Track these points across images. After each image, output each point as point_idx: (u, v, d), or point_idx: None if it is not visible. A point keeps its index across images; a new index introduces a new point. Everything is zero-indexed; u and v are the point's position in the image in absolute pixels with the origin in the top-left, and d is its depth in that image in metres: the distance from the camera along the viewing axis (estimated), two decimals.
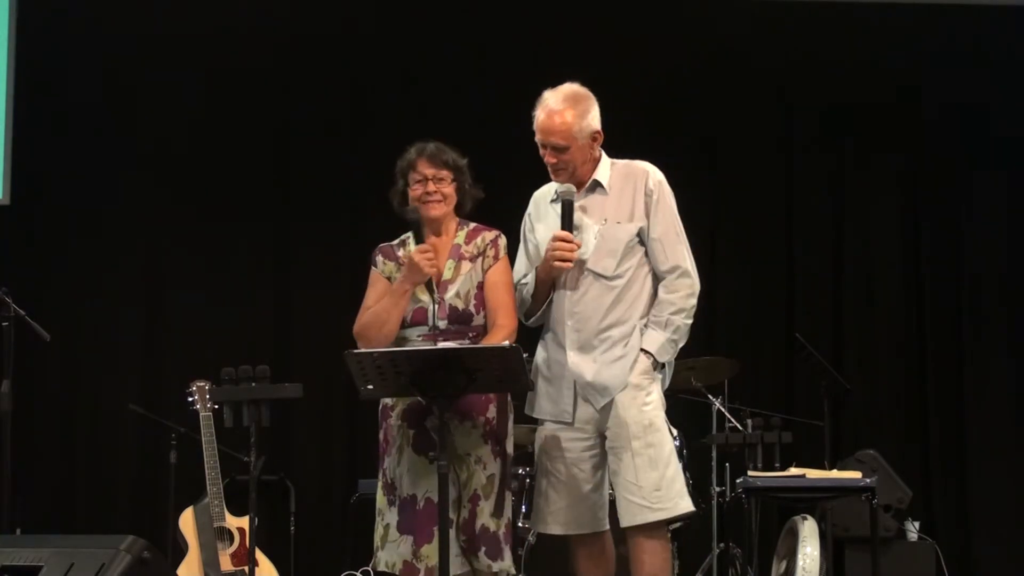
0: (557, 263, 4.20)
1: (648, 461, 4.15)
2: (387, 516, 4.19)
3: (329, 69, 7.66)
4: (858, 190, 7.78)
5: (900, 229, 7.76)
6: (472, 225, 4.33)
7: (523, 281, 4.35)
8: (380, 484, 4.24)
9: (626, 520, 4.20)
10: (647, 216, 4.28)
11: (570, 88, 4.28)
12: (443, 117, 7.06)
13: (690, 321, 4.29)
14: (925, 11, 7.71)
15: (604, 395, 4.21)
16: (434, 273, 4.12)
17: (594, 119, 4.27)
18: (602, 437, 4.25)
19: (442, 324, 4.18)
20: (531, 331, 4.42)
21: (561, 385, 4.27)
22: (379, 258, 4.36)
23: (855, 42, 7.69)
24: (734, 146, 7.75)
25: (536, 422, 4.39)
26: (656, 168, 4.37)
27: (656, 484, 4.15)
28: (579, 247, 4.21)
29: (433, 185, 4.21)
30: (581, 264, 4.24)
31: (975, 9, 7.71)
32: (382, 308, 4.19)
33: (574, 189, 4.28)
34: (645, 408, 4.19)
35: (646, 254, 4.29)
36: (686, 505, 4.22)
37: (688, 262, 4.30)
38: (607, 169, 4.34)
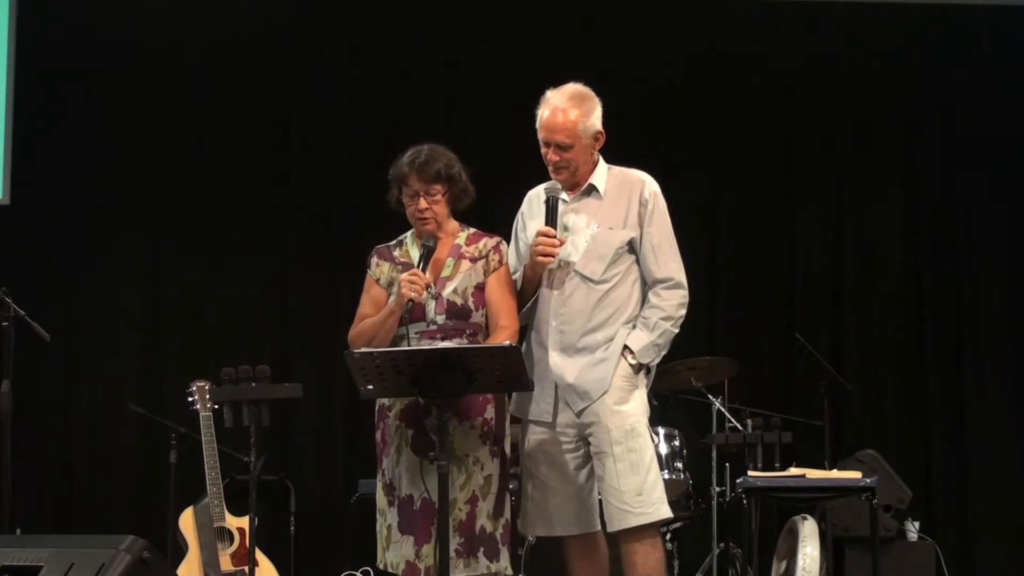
0: (540, 258, 4.22)
1: (629, 466, 4.16)
2: (389, 517, 4.20)
3: (329, 69, 7.66)
4: (858, 190, 7.79)
5: (900, 229, 7.76)
6: (472, 230, 4.34)
7: (513, 277, 4.36)
8: (380, 484, 4.24)
9: (610, 525, 4.22)
10: (640, 226, 4.30)
11: (574, 87, 4.30)
12: (443, 117, 7.06)
13: (676, 330, 4.30)
14: (925, 11, 7.72)
15: (584, 399, 4.22)
16: (417, 298, 4.10)
17: (597, 119, 4.29)
18: (585, 440, 4.25)
19: (440, 319, 4.18)
20: None
21: (543, 385, 4.28)
22: (373, 260, 4.37)
23: (855, 42, 7.70)
24: (734, 146, 7.75)
25: (518, 420, 4.40)
26: (652, 179, 4.38)
27: (637, 489, 4.16)
28: (561, 243, 4.23)
29: (425, 202, 4.21)
30: (569, 266, 4.26)
31: (975, 9, 7.72)
32: (370, 325, 4.21)
33: (559, 186, 4.31)
34: (627, 414, 4.20)
35: (637, 262, 4.31)
36: (665, 511, 4.21)
37: (681, 274, 4.33)
38: (603, 174, 4.36)
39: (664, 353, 4.34)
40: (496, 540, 4.16)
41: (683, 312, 4.30)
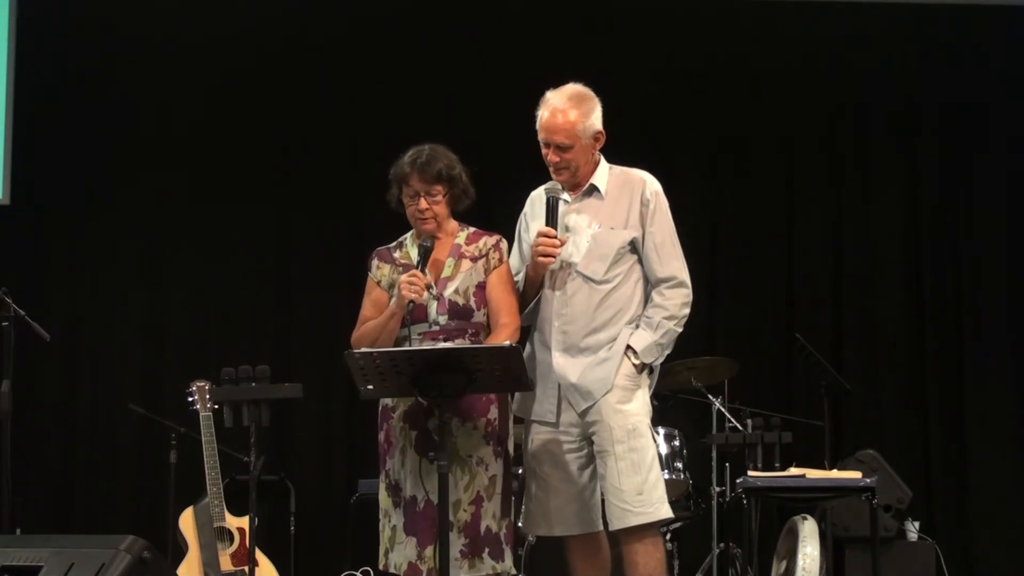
0: (541, 259, 4.22)
1: (631, 465, 4.16)
2: (394, 518, 4.19)
3: (329, 69, 7.66)
4: (858, 190, 7.78)
5: (900, 229, 7.76)
6: (472, 229, 4.34)
7: (516, 278, 4.37)
8: (383, 485, 4.23)
9: (611, 524, 4.23)
10: (642, 225, 4.30)
11: (574, 88, 4.30)
12: (443, 117, 7.06)
13: (680, 330, 4.30)
14: (925, 11, 7.72)
15: (587, 399, 4.22)
16: (416, 299, 4.10)
17: (597, 119, 4.29)
18: (588, 440, 4.26)
19: (442, 320, 4.18)
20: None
21: (546, 386, 4.28)
22: (374, 263, 4.36)
23: (855, 42, 7.70)
24: (734, 146, 7.75)
25: (522, 420, 4.40)
26: (654, 178, 4.39)
27: (638, 488, 4.16)
28: (562, 244, 4.23)
29: (425, 202, 4.21)
30: (571, 267, 4.27)
31: (975, 9, 7.72)
32: (373, 327, 4.21)
33: (560, 187, 4.32)
34: (629, 413, 4.20)
35: (639, 262, 4.32)
36: (666, 511, 4.22)
37: (684, 273, 4.33)
38: (605, 174, 4.36)
39: (668, 352, 4.34)
40: (500, 540, 4.16)
41: (687, 311, 4.31)
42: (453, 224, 4.32)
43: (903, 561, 6.81)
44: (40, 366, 7.13)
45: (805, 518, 5.96)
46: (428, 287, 4.14)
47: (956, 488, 7.54)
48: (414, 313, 4.14)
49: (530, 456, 4.33)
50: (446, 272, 4.25)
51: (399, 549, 4.15)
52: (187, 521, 5.95)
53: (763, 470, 5.98)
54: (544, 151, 4.30)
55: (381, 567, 4.22)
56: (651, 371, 4.33)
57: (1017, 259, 7.68)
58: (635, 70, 7.49)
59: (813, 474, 5.55)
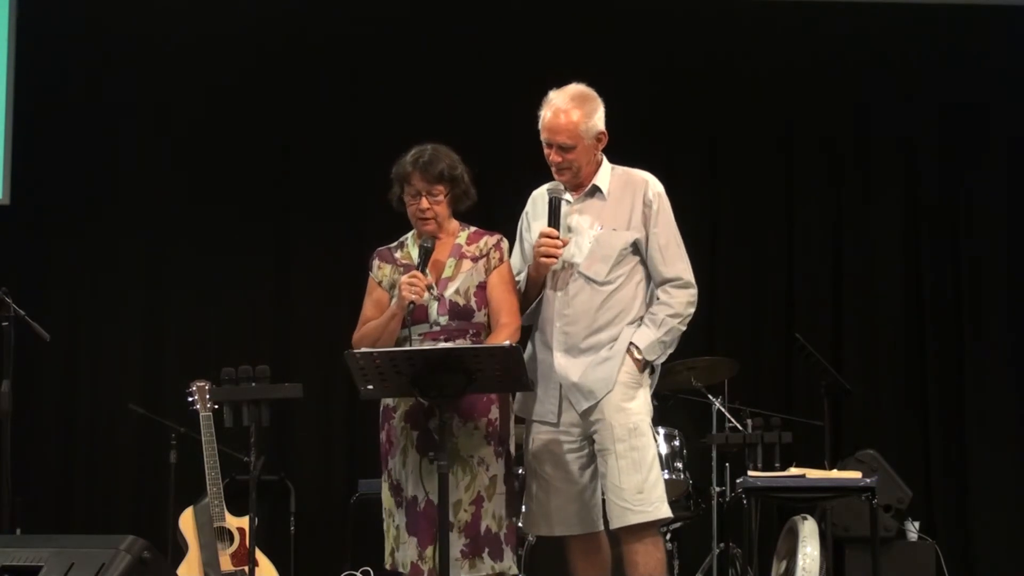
0: (543, 259, 4.22)
1: (631, 464, 4.17)
2: (397, 518, 4.20)
3: (329, 69, 7.66)
4: (858, 190, 7.78)
5: (900, 229, 7.76)
6: (473, 228, 4.34)
7: (517, 278, 4.37)
8: (386, 485, 4.24)
9: (611, 522, 4.23)
10: (644, 226, 4.30)
11: (576, 88, 4.30)
12: (443, 117, 7.06)
13: (684, 328, 4.31)
14: (925, 11, 7.72)
15: (588, 398, 4.22)
16: (417, 299, 4.10)
17: (600, 120, 4.29)
18: (590, 440, 4.26)
19: (443, 320, 4.18)
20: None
21: (548, 386, 4.28)
22: (375, 263, 4.36)
23: (854, 42, 7.70)
24: (734, 146, 7.76)
25: (523, 420, 4.40)
26: (656, 179, 4.39)
27: (638, 487, 4.17)
28: (564, 244, 4.23)
29: (427, 202, 4.21)
30: (573, 267, 4.27)
31: (975, 9, 7.72)
32: (373, 328, 4.21)
33: (563, 187, 4.32)
34: (631, 412, 4.21)
35: (641, 263, 4.32)
36: (665, 511, 4.23)
37: (689, 273, 4.33)
38: (607, 175, 4.36)
39: (671, 351, 4.34)
40: (500, 540, 4.16)
41: (691, 311, 4.31)
42: (454, 224, 4.32)
43: (903, 561, 6.81)
44: (40, 366, 7.13)
45: (805, 518, 5.96)
46: (429, 288, 4.14)
47: (956, 488, 7.54)
48: (415, 314, 4.14)
49: (531, 456, 4.33)
50: (447, 272, 4.25)
51: (403, 549, 4.16)
52: (187, 521, 5.95)
53: (763, 470, 5.98)
54: (546, 151, 4.30)
55: (388, 567, 4.22)
56: (652, 370, 4.33)
57: (1017, 259, 7.68)
58: (635, 70, 7.49)
59: (813, 474, 5.55)
